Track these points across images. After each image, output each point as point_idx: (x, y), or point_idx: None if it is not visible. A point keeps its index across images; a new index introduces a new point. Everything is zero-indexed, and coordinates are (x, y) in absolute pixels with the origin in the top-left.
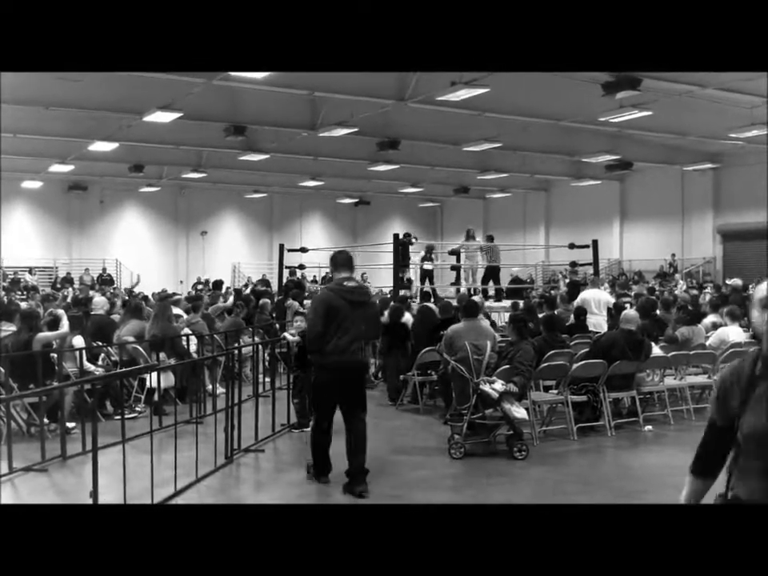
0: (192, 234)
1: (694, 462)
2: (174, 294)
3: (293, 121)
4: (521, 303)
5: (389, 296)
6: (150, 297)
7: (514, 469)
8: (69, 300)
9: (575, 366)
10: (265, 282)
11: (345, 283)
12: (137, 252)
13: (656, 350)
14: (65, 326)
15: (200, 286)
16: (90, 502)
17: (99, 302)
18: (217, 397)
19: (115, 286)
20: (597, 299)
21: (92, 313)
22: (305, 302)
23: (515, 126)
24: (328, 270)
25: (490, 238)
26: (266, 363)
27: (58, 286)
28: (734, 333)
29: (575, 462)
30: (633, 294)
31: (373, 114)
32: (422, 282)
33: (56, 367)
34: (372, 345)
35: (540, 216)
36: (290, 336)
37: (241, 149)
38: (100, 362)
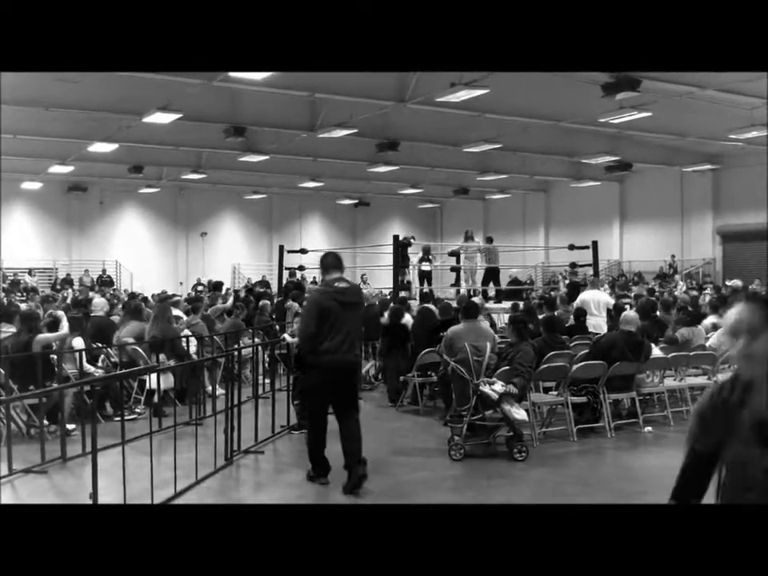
0: (192, 235)
1: (675, 488)
2: (174, 295)
3: (292, 122)
4: (521, 304)
5: (389, 297)
6: (150, 298)
7: (514, 470)
8: (68, 301)
9: (575, 367)
10: (264, 283)
11: (336, 284)
12: (136, 253)
13: (656, 351)
14: (64, 327)
15: (200, 288)
16: (89, 503)
17: (99, 303)
18: (216, 398)
19: (115, 287)
20: (596, 300)
21: (92, 314)
22: (305, 303)
23: (515, 127)
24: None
25: (489, 240)
26: (266, 365)
27: (58, 287)
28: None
29: (575, 463)
30: (632, 295)
31: (372, 115)
32: (421, 283)
33: (56, 369)
34: (372, 346)
35: (540, 217)
36: (289, 337)
37: (240, 150)
38: (100, 364)
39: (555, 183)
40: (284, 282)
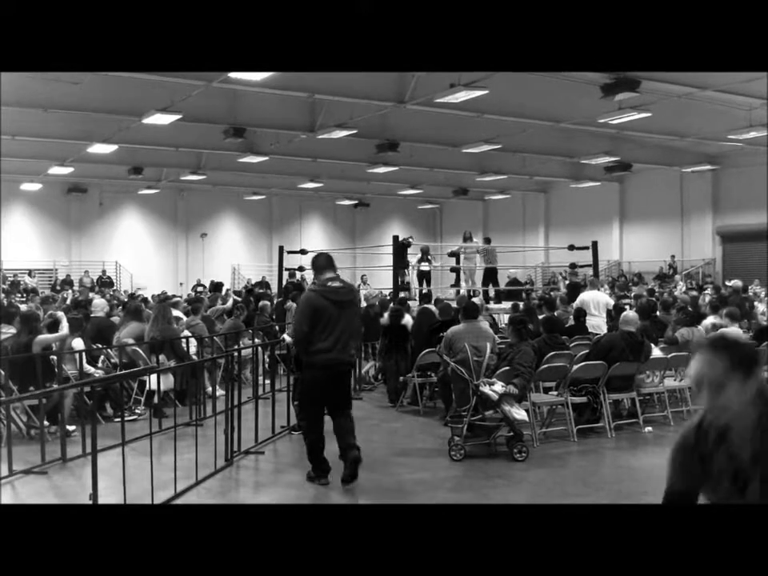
0: (191, 236)
1: None
2: (174, 296)
3: (292, 123)
4: (521, 305)
5: (388, 298)
6: (150, 299)
7: (514, 470)
8: (68, 302)
9: (575, 367)
10: (264, 284)
11: (329, 283)
12: (136, 254)
13: (656, 352)
14: (64, 328)
15: (200, 288)
16: (89, 504)
17: (99, 304)
18: (216, 399)
19: (115, 288)
20: (596, 301)
21: (92, 315)
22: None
23: (514, 128)
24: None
25: (487, 240)
26: (266, 365)
27: (58, 288)
28: (734, 334)
29: (575, 463)
30: (632, 295)
31: (372, 116)
32: (420, 283)
33: (56, 369)
34: (372, 346)
35: (539, 218)
36: (289, 338)
37: (240, 151)
38: (100, 365)
39: (555, 184)
40: (284, 282)
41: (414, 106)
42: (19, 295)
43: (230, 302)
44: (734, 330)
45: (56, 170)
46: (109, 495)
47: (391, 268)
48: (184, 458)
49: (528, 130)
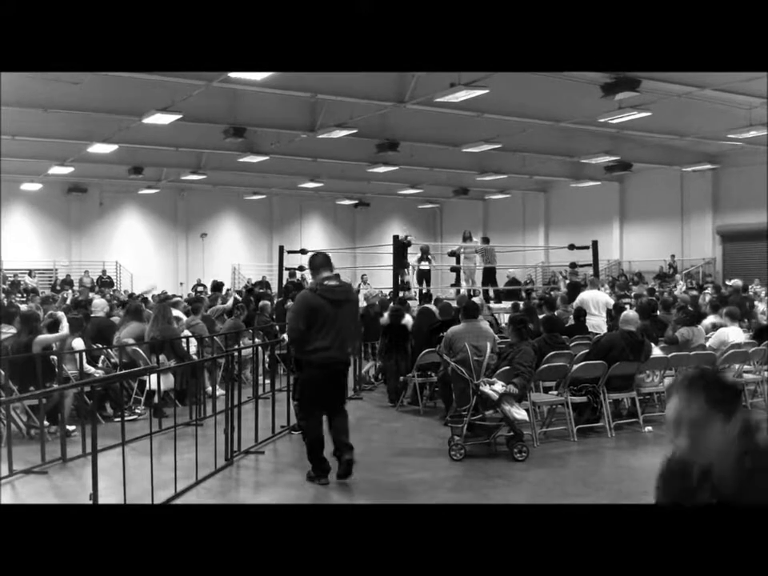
0: (192, 235)
1: None
2: (174, 296)
3: (292, 122)
4: (521, 304)
5: (388, 298)
6: (150, 299)
7: (515, 470)
8: (68, 302)
9: (575, 367)
10: (265, 283)
11: (325, 282)
12: (136, 254)
13: (656, 351)
14: (65, 328)
15: (200, 288)
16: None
17: (99, 304)
18: (217, 399)
19: (115, 288)
20: (595, 300)
21: (92, 315)
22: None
23: (514, 128)
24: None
25: (486, 240)
26: (266, 365)
27: (58, 288)
28: (734, 333)
29: (575, 463)
30: (633, 294)
31: (372, 116)
32: (420, 283)
33: (56, 369)
34: (372, 346)
35: (539, 217)
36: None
37: (240, 150)
38: (100, 364)
39: (555, 183)
40: (284, 282)
41: (414, 105)
42: (19, 295)
43: (230, 302)
44: (734, 330)
45: (56, 170)
46: (109, 495)
47: (391, 268)
48: (184, 457)
49: (528, 129)
